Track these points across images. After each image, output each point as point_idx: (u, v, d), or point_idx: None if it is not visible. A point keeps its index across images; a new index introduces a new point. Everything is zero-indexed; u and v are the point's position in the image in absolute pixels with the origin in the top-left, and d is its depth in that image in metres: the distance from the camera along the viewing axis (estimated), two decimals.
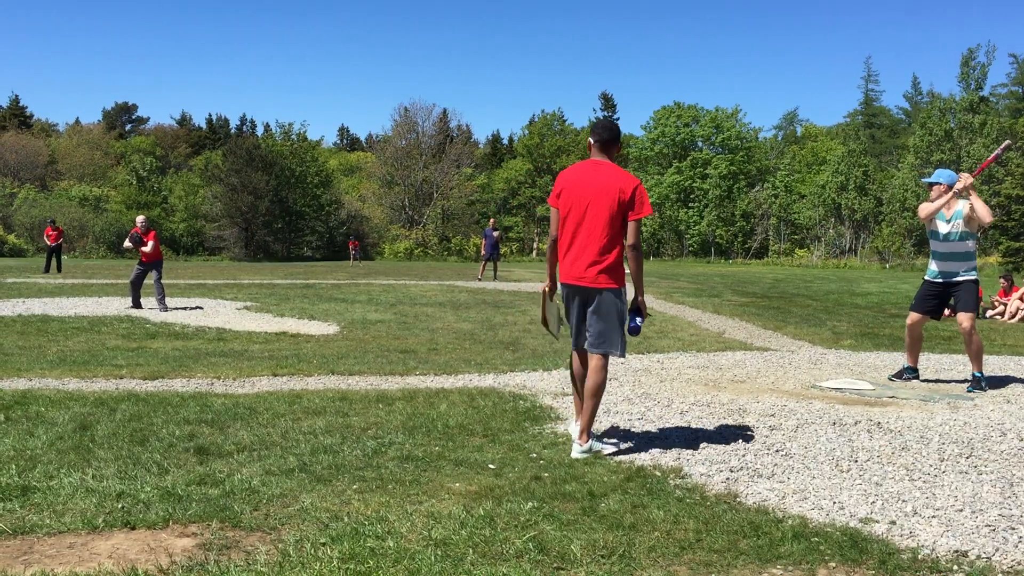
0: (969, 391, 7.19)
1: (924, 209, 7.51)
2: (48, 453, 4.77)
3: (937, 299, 7.62)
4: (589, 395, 4.98)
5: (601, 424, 5.69)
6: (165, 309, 13.88)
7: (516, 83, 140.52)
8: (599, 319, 4.96)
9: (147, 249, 14.37)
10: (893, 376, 7.82)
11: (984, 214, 7.23)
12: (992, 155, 7.83)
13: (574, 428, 5.12)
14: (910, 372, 7.74)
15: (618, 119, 79.78)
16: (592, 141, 5.12)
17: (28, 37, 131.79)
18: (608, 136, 5.08)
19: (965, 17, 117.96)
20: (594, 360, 5.01)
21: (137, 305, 14.20)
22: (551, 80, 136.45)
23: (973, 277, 7.47)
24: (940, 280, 7.54)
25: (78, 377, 7.30)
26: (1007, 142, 8.30)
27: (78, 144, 73.30)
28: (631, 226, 4.90)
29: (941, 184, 7.48)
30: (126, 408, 5.94)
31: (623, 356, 5.12)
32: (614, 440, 5.17)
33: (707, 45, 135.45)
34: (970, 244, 7.42)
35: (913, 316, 7.70)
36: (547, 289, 5.38)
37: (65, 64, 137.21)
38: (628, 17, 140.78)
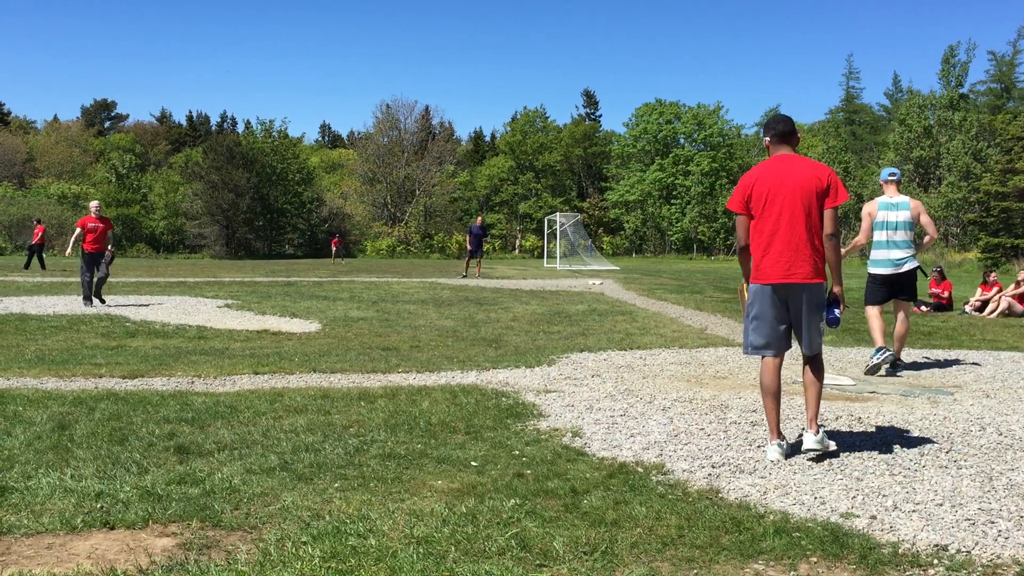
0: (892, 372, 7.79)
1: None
2: (26, 453, 4.72)
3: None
4: (812, 384, 4.95)
5: (584, 420, 5.69)
6: (101, 302, 13.64)
7: (498, 80, 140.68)
8: (812, 317, 4.89)
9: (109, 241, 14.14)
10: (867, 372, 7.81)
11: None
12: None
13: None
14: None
15: (600, 116, 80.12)
16: (768, 139, 5.00)
17: (6, 34, 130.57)
18: (784, 128, 4.96)
19: (946, 15, 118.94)
20: (814, 362, 4.98)
21: (89, 300, 13.76)
22: (533, 77, 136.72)
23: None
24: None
25: (57, 376, 7.23)
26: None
27: (56, 141, 72.75)
28: (828, 215, 4.80)
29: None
30: (105, 407, 5.89)
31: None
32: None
33: (689, 42, 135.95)
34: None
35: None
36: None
37: (43, 61, 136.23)
38: (610, 14, 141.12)
